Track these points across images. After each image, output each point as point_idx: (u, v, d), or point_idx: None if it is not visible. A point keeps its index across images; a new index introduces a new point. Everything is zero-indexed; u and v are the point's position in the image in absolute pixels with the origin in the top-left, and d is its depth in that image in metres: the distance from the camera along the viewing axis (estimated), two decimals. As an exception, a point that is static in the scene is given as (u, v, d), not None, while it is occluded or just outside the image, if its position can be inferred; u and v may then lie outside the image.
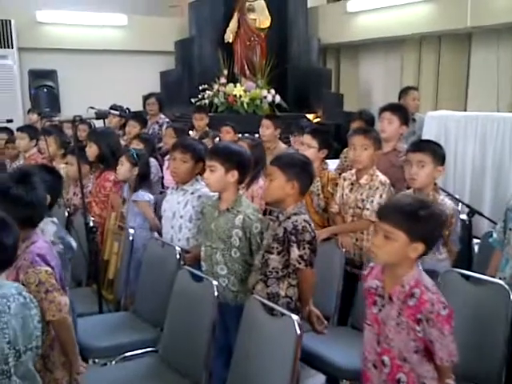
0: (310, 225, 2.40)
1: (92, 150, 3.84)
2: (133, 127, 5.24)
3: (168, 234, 3.20)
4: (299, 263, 2.37)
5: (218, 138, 4.98)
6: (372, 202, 3.06)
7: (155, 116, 6.23)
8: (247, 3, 7.95)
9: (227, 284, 2.63)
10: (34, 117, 7.08)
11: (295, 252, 2.36)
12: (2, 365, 1.67)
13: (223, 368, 2.43)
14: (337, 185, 3.49)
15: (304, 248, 2.36)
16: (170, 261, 2.89)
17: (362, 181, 3.15)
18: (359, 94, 8.68)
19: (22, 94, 8.45)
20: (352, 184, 3.20)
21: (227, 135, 5.04)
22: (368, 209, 3.07)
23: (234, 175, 2.64)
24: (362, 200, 3.11)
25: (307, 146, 3.57)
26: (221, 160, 2.63)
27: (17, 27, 8.24)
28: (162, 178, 4.92)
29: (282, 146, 5.06)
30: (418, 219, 1.84)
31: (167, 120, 6.31)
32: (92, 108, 4.12)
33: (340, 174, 4.00)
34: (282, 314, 2.11)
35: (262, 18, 7.96)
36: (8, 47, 8.20)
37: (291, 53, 8.42)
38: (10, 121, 5.79)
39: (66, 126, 5.53)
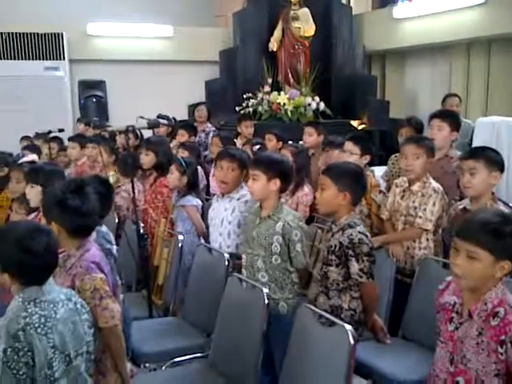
0: (366, 236, 2.37)
1: (149, 158, 3.94)
2: (181, 136, 5.33)
3: (216, 242, 3.22)
4: (360, 277, 2.35)
5: (257, 146, 4.99)
6: (425, 209, 2.98)
7: (203, 124, 6.32)
8: (291, 12, 7.96)
9: (268, 291, 2.62)
10: (82, 126, 7.30)
11: (355, 266, 2.33)
12: (45, 369, 1.71)
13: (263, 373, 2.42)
14: (380, 191, 3.44)
15: (363, 261, 2.33)
16: (219, 267, 2.91)
17: (415, 188, 3.08)
18: (405, 100, 8.54)
19: (72, 103, 8.74)
20: (404, 191, 3.14)
21: (270, 143, 5.04)
22: (420, 217, 3.00)
23: (276, 184, 2.65)
24: (415, 207, 3.04)
25: (349, 153, 3.54)
26: (263, 169, 2.65)
27: (68, 40, 8.55)
28: (208, 185, 4.97)
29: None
30: (502, 236, 1.70)
31: (213, 129, 6.39)
32: (142, 117, 4.20)
33: (387, 181, 3.97)
34: (335, 324, 2.08)
35: (306, 27, 7.95)
36: (59, 59, 8.51)
37: (336, 60, 8.37)
38: (61, 130, 5.97)
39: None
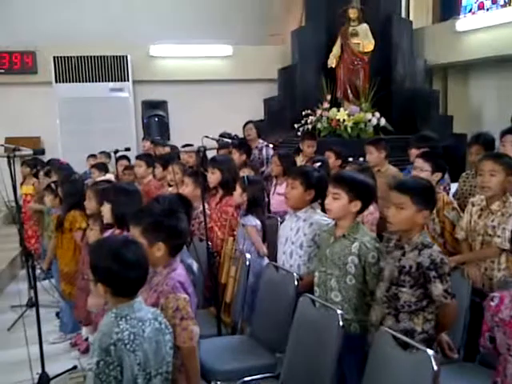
0: (444, 255, 2.29)
1: (215, 176, 3.99)
2: (233, 154, 5.33)
3: (280, 260, 3.22)
4: (445, 298, 2.26)
5: (318, 163, 4.96)
6: (504, 229, 2.86)
7: (254, 141, 6.36)
8: (350, 28, 7.95)
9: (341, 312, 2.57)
10: (148, 144, 7.52)
11: (439, 288, 2.25)
12: None
13: None
14: (453, 209, 3.32)
15: (447, 281, 2.25)
16: (288, 286, 2.89)
17: (494, 207, 2.96)
18: (469, 115, 8.31)
19: (135, 123, 9.03)
20: (481, 210, 3.02)
21: (329, 160, 5.00)
22: (499, 236, 2.87)
23: (356, 205, 2.60)
24: (493, 227, 2.92)
25: (420, 170, 3.45)
26: (346, 189, 2.59)
27: (132, 61, 8.88)
28: (268, 202, 4.97)
29: (392, 168, 4.93)
30: None
31: (266, 144, 6.42)
32: (206, 137, 4.28)
33: (458, 199, 3.84)
34: (417, 349, 2.00)
35: (365, 42, 7.91)
36: (124, 80, 8.85)
37: (396, 75, 8.27)
38: (127, 149, 6.17)
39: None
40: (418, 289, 2.29)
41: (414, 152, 4.35)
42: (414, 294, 2.30)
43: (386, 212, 2.44)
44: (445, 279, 2.24)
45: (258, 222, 3.66)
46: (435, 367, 1.89)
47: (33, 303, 4.20)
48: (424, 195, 2.37)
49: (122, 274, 1.81)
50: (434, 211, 3.29)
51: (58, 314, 4.52)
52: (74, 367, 3.72)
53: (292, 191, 3.11)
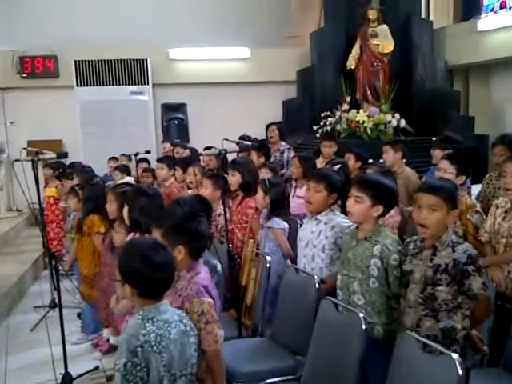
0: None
1: (235, 179, 4.00)
2: (252, 157, 5.34)
3: (301, 263, 3.20)
4: (484, 290, 2.26)
5: (338, 165, 4.93)
6: (529, 231, 2.82)
7: (276, 143, 6.35)
8: (370, 29, 7.91)
9: (364, 315, 2.55)
10: (168, 146, 7.56)
11: (478, 281, 2.23)
12: None
13: None
14: (476, 212, 3.28)
15: (483, 274, 2.25)
16: (309, 290, 2.87)
17: (519, 209, 2.92)
18: (491, 116, 8.20)
19: (155, 126, 9.09)
20: (506, 212, 2.98)
21: (349, 162, 4.97)
22: (524, 239, 2.83)
23: (378, 210, 2.58)
24: (519, 229, 2.88)
25: (444, 171, 3.41)
26: (370, 193, 2.57)
27: (152, 65, 8.95)
28: (288, 205, 4.95)
29: (409, 170, 4.89)
30: None
31: (288, 147, 6.41)
32: (226, 139, 4.29)
33: (481, 201, 3.79)
34: (441, 353, 1.98)
35: (385, 43, 7.86)
36: (144, 84, 8.93)
37: (416, 76, 8.20)
38: (148, 152, 6.23)
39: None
40: (453, 286, 2.26)
41: (437, 153, 4.31)
42: (450, 291, 2.27)
43: (415, 215, 2.39)
44: (482, 272, 2.23)
45: (286, 225, 3.67)
46: (460, 371, 1.86)
47: (55, 304, 4.26)
48: (453, 195, 2.36)
49: (149, 276, 1.83)
50: (457, 214, 3.26)
51: (79, 315, 4.58)
52: (96, 368, 3.76)
53: (316, 195, 3.09)
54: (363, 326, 2.28)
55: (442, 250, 2.31)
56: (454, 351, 2.20)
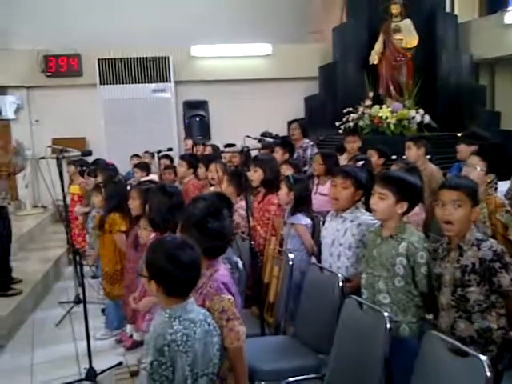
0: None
1: (257, 175, 3.99)
2: (276, 153, 5.31)
3: (326, 262, 3.17)
4: None
5: (361, 162, 4.87)
6: (562, 230, 2.75)
7: (299, 140, 6.31)
8: (393, 24, 7.81)
9: (389, 314, 2.51)
10: (190, 142, 7.59)
11: (506, 277, 2.18)
12: None
13: None
14: (507, 211, 3.20)
15: (511, 270, 2.19)
16: (333, 288, 2.84)
17: (549, 206, 2.85)
18: (518, 110, 8.02)
19: (177, 123, 9.13)
20: (536, 210, 2.91)
21: (372, 158, 4.91)
22: (555, 237, 2.76)
23: (402, 207, 2.54)
24: (548, 227, 2.80)
25: (473, 168, 3.33)
26: (394, 190, 2.53)
27: (173, 62, 8.98)
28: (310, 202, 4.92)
29: (432, 166, 4.81)
30: None
31: (311, 143, 6.36)
32: (248, 136, 4.27)
33: (510, 199, 3.69)
34: (469, 354, 1.93)
35: (408, 38, 7.76)
36: (166, 81, 8.96)
37: (440, 70, 8.07)
38: (170, 149, 6.25)
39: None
40: (484, 286, 2.22)
41: (463, 148, 4.22)
42: (481, 291, 2.23)
43: (439, 213, 2.35)
44: (509, 268, 2.17)
45: (309, 221, 3.64)
46: (488, 374, 1.81)
47: (80, 300, 4.31)
48: (475, 191, 2.31)
49: (174, 275, 1.83)
50: (486, 214, 3.18)
51: (103, 311, 4.62)
52: (120, 363, 3.79)
53: (343, 191, 3.05)
54: (388, 325, 2.24)
55: (468, 250, 2.26)
56: (491, 352, 2.17)
